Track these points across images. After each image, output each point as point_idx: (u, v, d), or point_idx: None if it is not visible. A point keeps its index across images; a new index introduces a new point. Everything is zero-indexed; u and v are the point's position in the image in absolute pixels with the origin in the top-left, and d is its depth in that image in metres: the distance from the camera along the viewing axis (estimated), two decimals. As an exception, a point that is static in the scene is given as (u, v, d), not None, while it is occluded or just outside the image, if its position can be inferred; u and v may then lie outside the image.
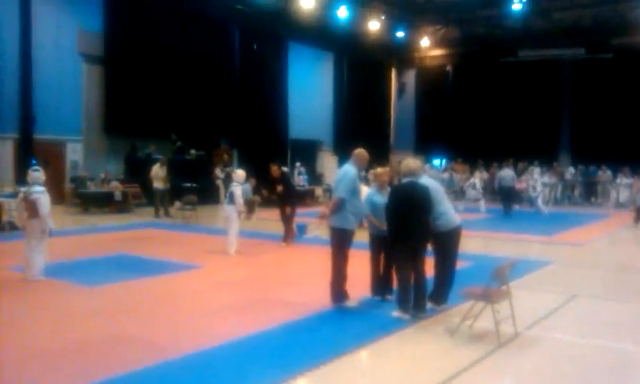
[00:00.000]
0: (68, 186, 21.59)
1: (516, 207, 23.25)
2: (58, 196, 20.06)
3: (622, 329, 7.54)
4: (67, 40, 22.13)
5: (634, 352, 6.78)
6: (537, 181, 23.74)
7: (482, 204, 22.71)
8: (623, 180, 26.37)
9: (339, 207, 7.91)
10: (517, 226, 18.70)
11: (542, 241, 15.68)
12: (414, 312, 7.51)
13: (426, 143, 36.16)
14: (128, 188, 21.51)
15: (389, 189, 8.40)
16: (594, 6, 28.56)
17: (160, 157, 20.93)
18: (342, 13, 27.63)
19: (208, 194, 22.99)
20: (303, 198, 23.51)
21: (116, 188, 21.01)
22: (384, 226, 7.94)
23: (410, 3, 30.38)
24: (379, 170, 8.93)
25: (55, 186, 19.45)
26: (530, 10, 28.38)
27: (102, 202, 20.65)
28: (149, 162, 20.99)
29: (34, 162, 17.05)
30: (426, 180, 8.05)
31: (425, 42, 35.27)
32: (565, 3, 28.42)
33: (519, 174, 25.67)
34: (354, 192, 8.02)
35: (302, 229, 15.13)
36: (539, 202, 23.04)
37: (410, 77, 38.86)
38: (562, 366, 6.16)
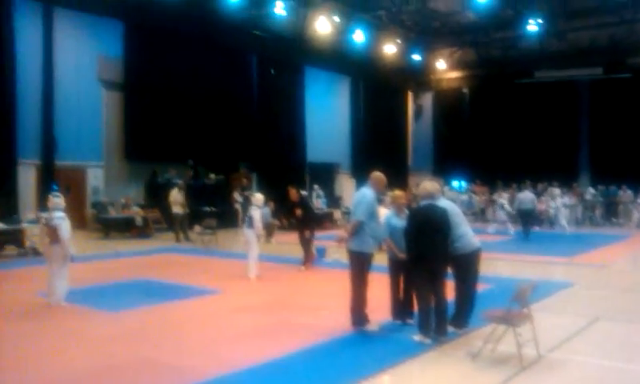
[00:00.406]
0: (89, 211, 21.82)
1: (536, 228, 23.08)
2: (79, 221, 20.32)
3: (646, 351, 7.45)
4: (88, 67, 22.51)
5: (659, 375, 6.70)
6: (558, 201, 23.61)
7: (511, 226, 22.37)
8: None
9: (358, 230, 7.93)
10: (537, 247, 18.57)
11: (563, 262, 15.55)
12: (435, 336, 7.48)
13: (444, 165, 36.10)
14: (148, 213, 21.68)
15: (407, 211, 8.41)
16: (610, 25, 28.50)
17: (179, 181, 21.11)
18: (359, 37, 27.82)
19: (227, 217, 23.12)
20: (322, 221, 23.55)
21: (136, 213, 21.19)
22: (402, 255, 7.94)
23: (425, 27, 30.54)
24: (397, 192, 8.94)
25: (76, 212, 19.68)
26: (545, 31, 28.37)
27: (122, 227, 20.83)
28: (169, 186, 21.18)
29: (55, 187, 17.30)
30: (444, 202, 8.06)
31: (441, 64, 35.40)
32: (581, 24, 28.40)
33: (539, 195, 25.50)
34: (373, 215, 8.03)
35: (322, 252, 15.13)
36: (563, 221, 22.89)
37: (427, 99, 38.93)
38: (585, 390, 6.10)
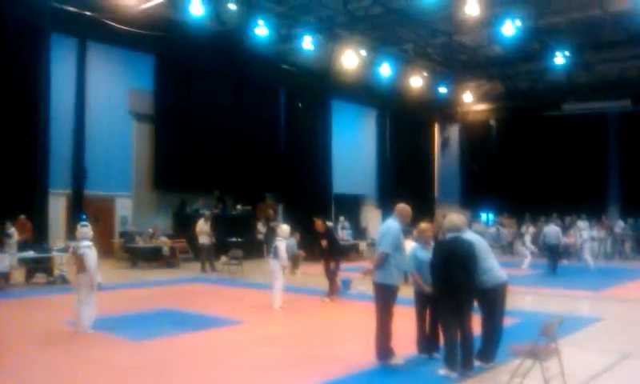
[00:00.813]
0: (117, 240, 22.05)
1: (564, 262, 22.73)
2: (107, 250, 20.57)
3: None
4: (119, 99, 23.00)
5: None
6: (584, 234, 23.06)
7: (526, 262, 21.67)
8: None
9: (383, 262, 7.88)
10: (565, 281, 18.27)
11: (592, 296, 15.29)
12: (461, 370, 7.39)
13: (471, 197, 35.88)
14: (175, 243, 21.85)
15: (433, 244, 8.37)
16: (638, 57, 28.30)
17: (206, 212, 21.30)
18: (385, 70, 27.96)
19: (253, 248, 23.20)
20: (347, 252, 23.53)
21: (164, 243, 21.37)
22: (427, 288, 7.90)
23: (452, 59, 30.60)
24: (423, 225, 8.88)
25: (105, 241, 19.98)
26: (573, 63, 28.23)
27: (150, 257, 21.00)
28: (196, 217, 21.37)
29: (83, 217, 17.55)
30: (470, 235, 8.02)
31: (468, 97, 35.34)
32: (609, 55, 28.21)
33: (566, 228, 25.15)
34: (398, 247, 7.98)
35: (347, 284, 15.07)
36: (587, 256, 22.34)
37: (454, 131, 38.88)
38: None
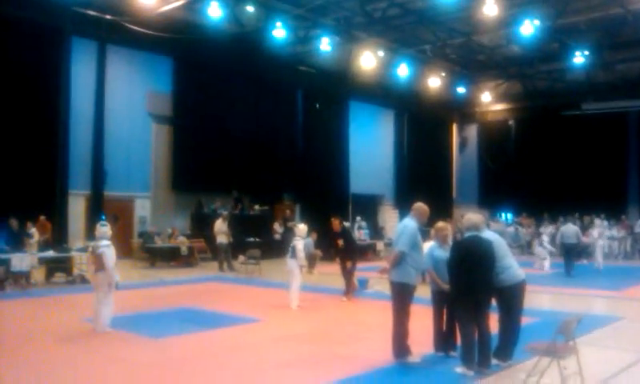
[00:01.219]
0: (136, 240, 22.24)
1: (584, 261, 22.49)
2: (126, 250, 20.75)
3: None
4: (138, 101, 23.20)
5: None
6: (595, 233, 22.51)
7: (547, 264, 21.14)
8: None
9: (400, 261, 7.87)
10: (584, 280, 18.11)
11: (611, 296, 15.15)
12: (478, 368, 7.37)
13: (490, 197, 35.69)
14: (194, 243, 21.99)
15: (450, 243, 8.36)
16: (658, 56, 28.04)
17: (223, 212, 21.42)
18: (403, 71, 27.94)
19: (271, 248, 23.27)
20: (364, 252, 23.53)
21: (182, 243, 21.52)
22: (444, 286, 7.90)
23: (470, 59, 30.50)
24: (440, 224, 8.86)
25: (123, 241, 20.13)
26: (592, 62, 28.01)
27: (168, 257, 21.16)
28: (214, 217, 21.49)
29: (102, 217, 17.73)
30: (489, 234, 8.00)
31: (486, 96, 35.21)
32: (628, 54, 27.96)
33: (585, 228, 24.88)
34: (415, 246, 7.96)
35: (363, 283, 15.08)
36: (599, 256, 21.52)
37: (472, 131, 38.73)
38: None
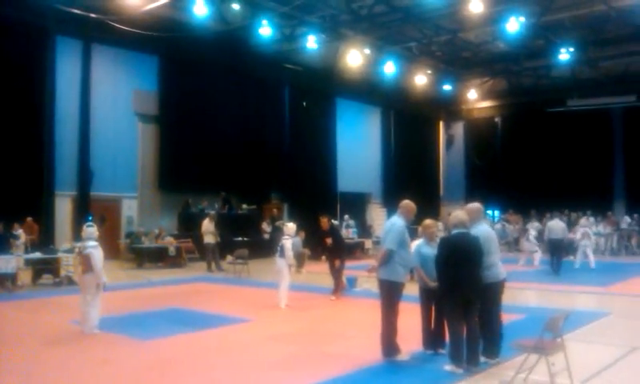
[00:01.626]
0: (123, 241, 22.13)
1: (571, 258, 22.58)
2: (114, 251, 20.68)
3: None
4: (124, 100, 23.07)
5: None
6: (579, 231, 22.39)
7: (537, 257, 21.39)
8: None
9: (388, 259, 7.88)
10: (571, 277, 18.19)
11: (598, 292, 15.26)
12: (466, 366, 7.40)
13: (477, 194, 35.46)
14: (181, 243, 21.91)
15: (438, 240, 8.37)
16: (643, 53, 28.26)
17: (211, 212, 21.36)
18: (389, 68, 27.99)
19: (259, 247, 23.24)
20: (352, 250, 23.55)
21: (170, 243, 21.44)
22: (432, 284, 7.92)
23: (456, 57, 30.60)
24: (427, 221, 8.86)
25: (111, 242, 20.07)
26: (577, 59, 28.20)
27: (155, 257, 21.09)
28: (201, 217, 21.43)
29: (89, 218, 17.63)
30: (482, 228, 8.03)
31: (472, 94, 35.39)
32: (613, 51, 28.16)
33: (572, 224, 25.02)
34: (403, 243, 7.96)
35: (352, 282, 15.10)
36: (579, 254, 21.31)
37: (459, 129, 38.91)
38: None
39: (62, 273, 16.34)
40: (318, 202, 26.69)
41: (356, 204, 31.70)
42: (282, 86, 28.51)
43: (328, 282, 14.55)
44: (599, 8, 23.13)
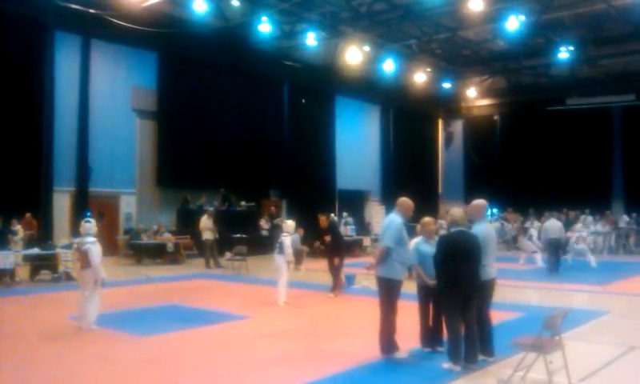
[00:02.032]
0: (121, 237, 22.12)
1: (568, 257, 22.54)
2: (112, 247, 20.65)
3: (682, 382, 7.26)
4: (122, 97, 23.03)
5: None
6: (575, 229, 22.37)
7: (539, 257, 21.02)
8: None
9: (386, 257, 7.87)
10: (569, 275, 18.17)
11: (596, 290, 15.25)
12: (465, 363, 7.39)
13: (475, 192, 35.33)
14: (180, 239, 21.90)
15: (437, 238, 8.36)
16: (642, 52, 28.26)
17: (209, 208, 21.35)
18: (388, 66, 27.97)
19: (258, 244, 23.24)
20: (351, 248, 23.53)
21: (168, 239, 21.42)
22: (430, 282, 7.92)
23: (455, 55, 30.60)
24: (426, 219, 8.85)
25: (109, 238, 20.03)
26: (576, 58, 28.19)
27: (154, 253, 21.08)
28: (200, 213, 21.41)
29: (87, 213, 17.61)
30: (483, 226, 8.04)
31: (471, 92, 35.40)
32: (612, 50, 28.15)
33: (571, 223, 25.00)
34: (401, 241, 7.94)
35: (350, 279, 15.11)
36: (570, 251, 21.35)
37: (458, 127, 38.91)
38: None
39: (61, 269, 16.30)
40: (317, 199, 26.72)
41: (355, 201, 31.72)
42: (282, 83, 28.49)
43: (326, 279, 14.54)
44: (599, 6, 23.13)
